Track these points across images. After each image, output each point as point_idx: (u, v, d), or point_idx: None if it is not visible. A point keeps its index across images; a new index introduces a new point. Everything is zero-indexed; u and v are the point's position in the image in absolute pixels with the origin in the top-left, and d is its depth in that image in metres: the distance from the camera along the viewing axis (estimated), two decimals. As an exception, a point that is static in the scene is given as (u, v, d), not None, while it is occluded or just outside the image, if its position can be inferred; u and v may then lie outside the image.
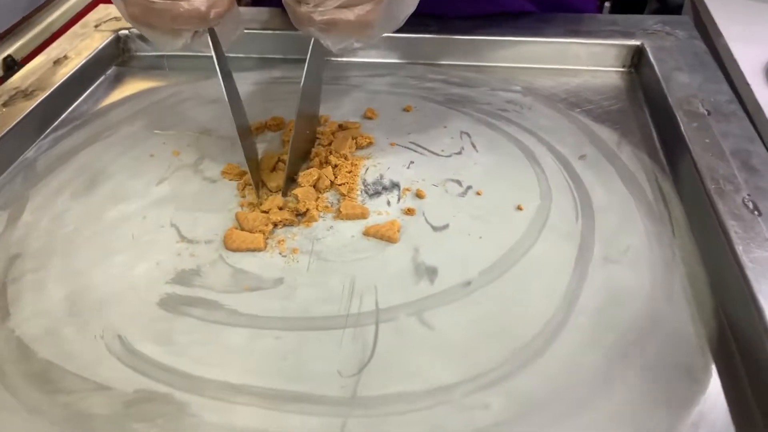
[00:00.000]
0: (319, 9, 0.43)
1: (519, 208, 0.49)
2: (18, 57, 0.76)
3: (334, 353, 0.39)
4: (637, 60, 0.66)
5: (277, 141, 0.58)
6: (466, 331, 0.40)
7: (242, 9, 0.76)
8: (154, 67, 0.70)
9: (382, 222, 0.47)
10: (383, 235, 0.46)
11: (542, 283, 0.43)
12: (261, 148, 0.56)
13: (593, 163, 0.54)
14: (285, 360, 0.39)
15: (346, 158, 0.53)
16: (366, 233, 0.47)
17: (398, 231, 0.46)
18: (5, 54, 0.74)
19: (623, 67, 0.67)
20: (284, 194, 0.50)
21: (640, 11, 1.13)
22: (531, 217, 0.48)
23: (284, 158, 0.53)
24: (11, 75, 0.74)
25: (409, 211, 0.49)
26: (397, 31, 0.67)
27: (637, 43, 0.66)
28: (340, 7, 0.43)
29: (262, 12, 0.73)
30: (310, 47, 0.49)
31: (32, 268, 0.45)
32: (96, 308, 0.42)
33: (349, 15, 0.43)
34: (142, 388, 0.37)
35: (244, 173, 0.52)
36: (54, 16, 0.82)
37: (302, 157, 0.53)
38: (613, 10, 1.34)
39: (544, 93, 0.64)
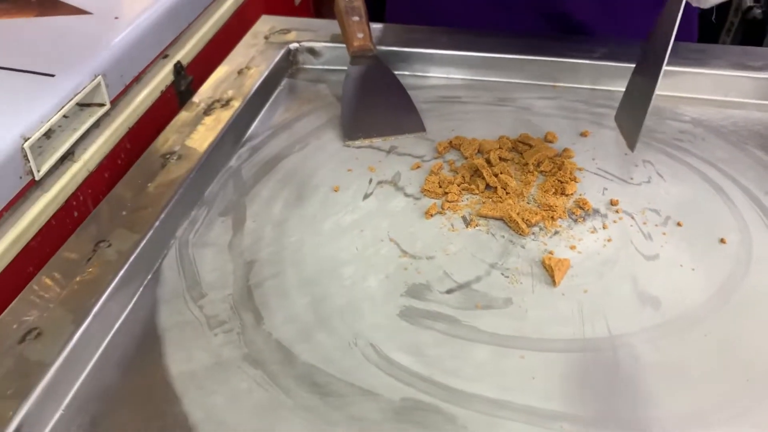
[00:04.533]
0: None
1: (722, 241, 0.51)
2: (184, 63, 0.80)
3: (581, 377, 0.41)
4: (804, 95, 0.67)
5: (460, 160, 0.60)
6: (698, 359, 0.42)
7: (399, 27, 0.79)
8: (320, 80, 0.73)
9: (577, 254, 0.50)
10: (550, 269, 0.48)
11: (763, 316, 0.45)
12: (447, 165, 0.59)
13: (788, 201, 0.55)
14: (534, 380, 0.41)
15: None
16: (546, 260, 0.49)
17: (564, 274, 0.48)
18: (176, 60, 0.78)
19: (791, 101, 0.68)
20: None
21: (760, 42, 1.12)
22: (735, 250, 0.50)
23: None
24: (180, 80, 0.78)
25: (618, 240, 0.51)
26: (564, 56, 0.70)
27: (806, 79, 0.67)
28: None
29: (416, 30, 0.76)
30: (682, 4, 0.49)
31: (270, 274, 0.48)
32: (339, 316, 0.45)
33: None
34: (408, 397, 0.40)
35: (445, 192, 0.55)
36: (210, 23, 0.86)
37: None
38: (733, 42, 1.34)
39: (714, 124, 0.65)
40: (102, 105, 0.65)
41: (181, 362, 0.42)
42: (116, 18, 0.72)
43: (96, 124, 0.65)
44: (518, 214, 0.52)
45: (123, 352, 0.43)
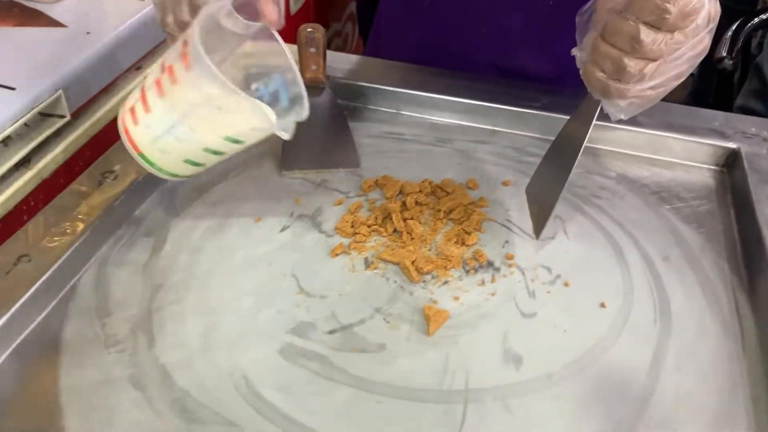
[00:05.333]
0: (636, 87, 0.48)
1: (602, 305, 0.54)
2: (156, 75, 0.84)
3: (429, 427, 0.45)
4: (731, 161, 0.69)
5: (381, 200, 0.63)
6: (545, 422, 0.45)
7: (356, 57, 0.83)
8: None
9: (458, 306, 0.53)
10: (427, 319, 0.51)
11: (620, 379, 0.48)
12: (367, 204, 0.62)
13: (676, 267, 0.58)
14: (388, 426, 0.45)
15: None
16: (426, 310, 0.52)
17: (439, 325, 0.51)
18: (146, 73, 0.82)
19: (717, 165, 0.70)
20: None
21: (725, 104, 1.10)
22: (613, 315, 0.53)
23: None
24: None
25: (502, 295, 0.54)
26: (507, 103, 0.73)
27: (734, 146, 0.69)
28: (651, 87, 0.48)
29: (378, 64, 0.79)
30: (596, 112, 0.53)
31: (173, 299, 0.53)
32: (225, 346, 0.49)
33: (653, 92, 0.49)
34: (264, 430, 0.44)
35: (356, 232, 0.59)
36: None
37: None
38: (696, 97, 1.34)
39: (638, 183, 0.68)
40: (62, 116, 0.70)
41: (73, 377, 0.47)
42: (88, 33, 0.76)
43: (57, 134, 0.70)
44: (413, 261, 0.55)
45: (23, 363, 0.48)
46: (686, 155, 0.71)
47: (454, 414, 0.46)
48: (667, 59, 0.47)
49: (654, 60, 0.47)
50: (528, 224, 0.61)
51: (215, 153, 0.53)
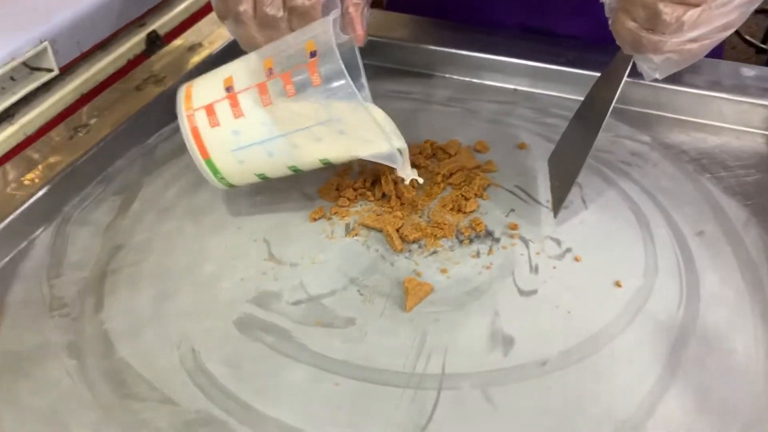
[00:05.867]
0: (673, 39, 0.42)
1: (618, 284, 0.46)
2: (161, 32, 0.79)
3: (390, 414, 0.38)
4: (790, 126, 0.60)
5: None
6: (531, 416, 0.38)
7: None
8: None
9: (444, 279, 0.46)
10: (406, 292, 0.45)
11: (625, 378, 0.40)
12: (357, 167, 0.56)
13: (712, 244, 0.49)
14: (340, 410, 0.39)
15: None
16: (406, 282, 0.45)
17: (419, 300, 0.44)
18: (150, 29, 0.78)
19: (772, 131, 0.60)
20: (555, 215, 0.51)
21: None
22: (629, 297, 0.45)
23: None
24: (154, 50, 0.78)
25: (498, 269, 0.47)
26: (527, 57, 0.65)
27: (794, 107, 0.59)
28: (692, 40, 0.42)
29: (385, 17, 0.72)
30: (627, 70, 0.48)
31: (131, 261, 0.48)
32: (178, 315, 0.44)
33: (694, 46, 0.43)
34: (203, 409, 0.39)
35: (340, 196, 0.52)
36: (200, -6, 0.85)
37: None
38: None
39: (675, 149, 0.59)
40: (50, 70, 0.66)
41: (10, 341, 0.43)
42: (83, -17, 0.72)
43: (46, 89, 0.66)
44: (398, 228, 0.49)
45: (-39, 324, 0.44)
46: (736, 118, 0.61)
47: (423, 401, 0.39)
48: (711, 5, 0.39)
49: (695, 5, 0.39)
50: (540, 192, 0.54)
51: (296, 171, 0.47)
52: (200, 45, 0.69)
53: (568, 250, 0.49)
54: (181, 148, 0.58)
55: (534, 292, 0.45)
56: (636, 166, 0.57)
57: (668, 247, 0.49)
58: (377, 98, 0.64)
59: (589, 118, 0.51)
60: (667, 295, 0.45)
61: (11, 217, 0.48)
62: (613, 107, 0.61)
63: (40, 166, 0.53)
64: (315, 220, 0.51)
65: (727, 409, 0.39)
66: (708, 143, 0.59)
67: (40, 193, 0.50)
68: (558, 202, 0.51)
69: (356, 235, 0.50)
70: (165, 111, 0.62)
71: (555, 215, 0.51)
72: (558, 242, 0.49)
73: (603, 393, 0.39)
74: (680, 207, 0.52)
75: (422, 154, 0.56)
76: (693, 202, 0.53)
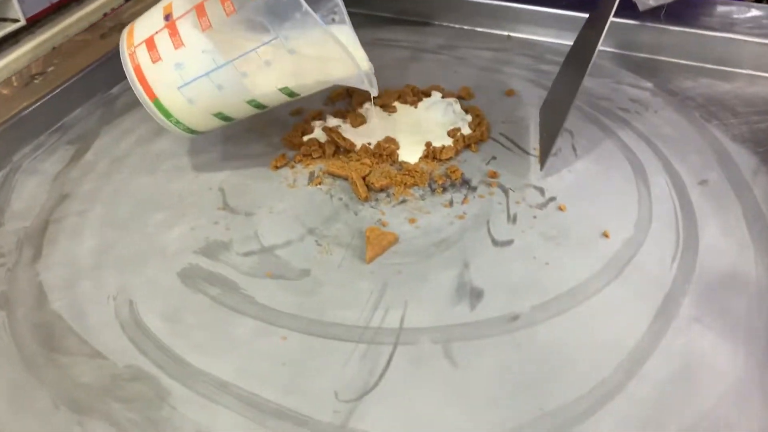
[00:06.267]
0: None
1: (605, 235, 0.41)
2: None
3: (338, 370, 0.34)
4: (810, 69, 0.54)
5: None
6: (496, 375, 0.34)
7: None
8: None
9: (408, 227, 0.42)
10: (367, 242, 0.40)
11: (606, 335, 0.36)
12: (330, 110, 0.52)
13: (716, 193, 0.44)
14: (283, 366, 0.35)
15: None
16: (367, 232, 0.41)
17: (381, 250, 0.40)
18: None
19: (791, 75, 0.55)
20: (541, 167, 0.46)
21: None
22: (616, 248, 0.40)
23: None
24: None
25: (472, 218, 0.42)
26: (524, 1, 0.60)
27: (815, 47, 0.53)
28: None
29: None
30: (614, 6, 0.43)
31: (77, 210, 0.45)
32: (119, 265, 0.41)
33: None
34: (133, 364, 0.35)
35: (302, 144, 0.48)
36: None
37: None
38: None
39: (680, 95, 0.53)
40: (16, 20, 0.63)
41: (-62, 292, 0.40)
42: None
43: (14, 41, 0.63)
44: (364, 176, 0.44)
45: None
46: (752, 62, 0.55)
47: (376, 357, 0.35)
48: None
49: None
50: (526, 140, 0.49)
51: (259, 107, 0.42)
52: (174, -7, 0.65)
53: (552, 199, 0.44)
54: (144, 97, 0.54)
55: (509, 242, 0.41)
56: (634, 112, 0.52)
57: (665, 197, 0.44)
58: (363, 46, 0.59)
59: (576, 62, 0.46)
60: (660, 248, 0.40)
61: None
62: (614, 53, 0.56)
63: (-11, 113, 0.50)
64: (277, 168, 0.47)
65: (721, 370, 0.34)
66: (717, 89, 0.54)
67: (-15, 140, 0.47)
68: (545, 153, 0.46)
69: (320, 183, 0.45)
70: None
71: (541, 167, 0.46)
72: (541, 191, 0.44)
73: (578, 352, 0.35)
74: (682, 155, 0.47)
75: (400, 99, 0.52)
76: (697, 150, 0.48)
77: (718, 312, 0.36)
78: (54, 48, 0.66)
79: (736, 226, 0.42)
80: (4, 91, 0.52)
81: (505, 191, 0.44)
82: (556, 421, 0.32)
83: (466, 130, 0.48)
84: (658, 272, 0.39)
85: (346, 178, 0.45)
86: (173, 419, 0.32)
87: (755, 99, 0.53)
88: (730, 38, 0.55)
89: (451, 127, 0.48)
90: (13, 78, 0.54)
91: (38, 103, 0.50)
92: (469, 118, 0.50)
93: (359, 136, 0.48)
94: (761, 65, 0.55)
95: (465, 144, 0.47)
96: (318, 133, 0.49)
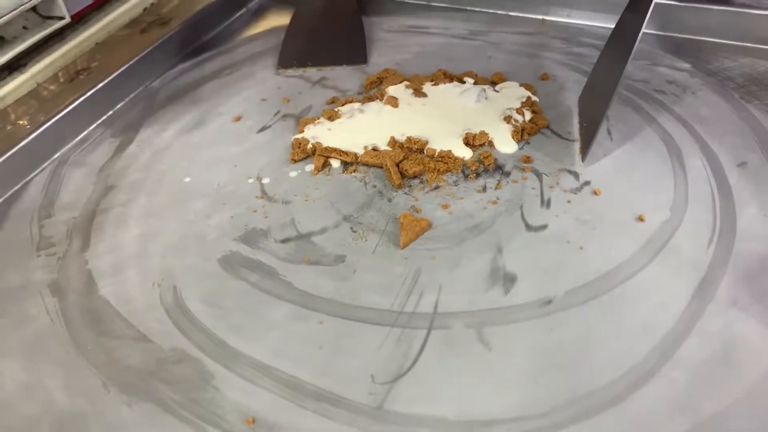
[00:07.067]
0: None
1: (640, 218, 0.41)
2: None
3: (373, 353, 0.35)
4: None
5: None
6: (529, 359, 0.34)
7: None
8: (292, 2, 0.68)
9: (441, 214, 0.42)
10: (401, 227, 0.41)
11: (640, 318, 0.36)
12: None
13: (755, 175, 0.43)
14: (321, 349, 0.36)
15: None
16: (401, 218, 0.41)
17: (415, 236, 0.40)
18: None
19: (836, 52, 0.53)
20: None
21: None
22: (652, 232, 0.40)
23: None
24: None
25: (505, 203, 0.43)
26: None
27: None
28: None
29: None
30: None
31: (121, 201, 0.46)
32: (161, 254, 0.42)
33: None
34: (178, 347, 0.37)
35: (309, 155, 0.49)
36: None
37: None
38: None
39: (719, 75, 0.52)
40: (61, 18, 0.65)
41: (-6, 280, 0.42)
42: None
43: (59, 38, 0.65)
44: (398, 163, 0.45)
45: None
46: (793, 40, 0.54)
47: (410, 341, 0.36)
48: None
49: None
50: (561, 123, 0.49)
51: None
52: (211, -14, 0.66)
53: (587, 183, 0.44)
54: (184, 88, 0.56)
55: (543, 227, 0.41)
56: (671, 94, 0.51)
57: (702, 180, 0.43)
58: (393, 33, 0.60)
59: (618, 47, 0.46)
60: (696, 230, 0.40)
61: (3, 157, 0.47)
62: (651, 34, 0.55)
63: (37, 108, 0.51)
64: (295, 161, 0.48)
65: (754, 357, 0.33)
66: (758, 68, 0.53)
67: (35, 134, 0.49)
68: (587, 143, 0.46)
69: (354, 171, 0.46)
70: (170, 53, 0.60)
71: (583, 158, 0.46)
72: (576, 175, 0.44)
73: (612, 335, 0.35)
74: (720, 137, 0.47)
75: (433, 82, 0.52)
76: (736, 132, 0.47)
77: (756, 295, 0.36)
78: (97, 43, 0.68)
79: (776, 209, 0.41)
80: (51, 87, 0.54)
81: (539, 176, 0.44)
82: (589, 404, 0.32)
83: (516, 117, 0.48)
84: (694, 255, 0.39)
85: (380, 166, 0.46)
86: (216, 400, 0.34)
87: (798, 78, 0.51)
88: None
89: (503, 115, 0.48)
90: (60, 74, 0.56)
91: (83, 98, 0.52)
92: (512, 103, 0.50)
93: (384, 128, 0.48)
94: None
95: (521, 137, 0.47)
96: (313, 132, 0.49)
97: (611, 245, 0.39)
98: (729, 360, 0.33)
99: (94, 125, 0.53)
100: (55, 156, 0.51)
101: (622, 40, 0.45)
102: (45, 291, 0.41)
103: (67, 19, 0.65)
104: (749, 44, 0.55)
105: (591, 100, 0.48)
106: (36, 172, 0.49)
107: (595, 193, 0.43)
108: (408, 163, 0.45)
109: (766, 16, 0.54)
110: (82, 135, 0.52)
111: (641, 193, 0.43)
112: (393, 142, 0.47)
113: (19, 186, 0.48)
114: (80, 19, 0.66)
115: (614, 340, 0.35)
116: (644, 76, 0.53)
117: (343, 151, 0.46)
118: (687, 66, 0.54)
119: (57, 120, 0.50)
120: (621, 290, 0.37)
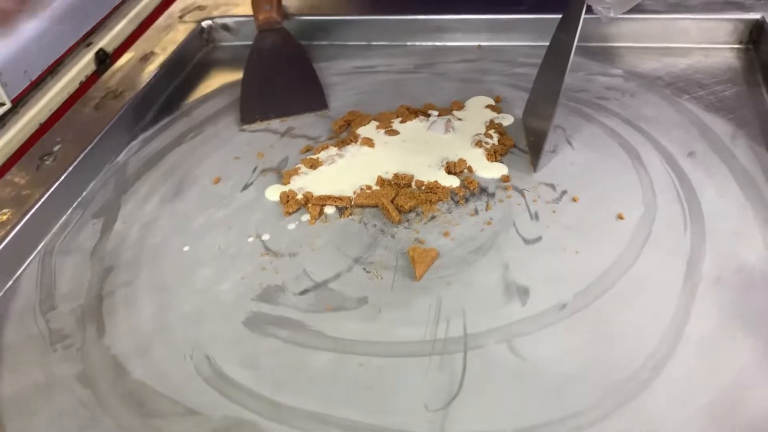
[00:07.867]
0: None
1: (620, 217, 0.45)
2: (109, 49, 0.77)
3: (420, 384, 0.37)
4: (756, 36, 0.60)
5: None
6: (560, 362, 0.38)
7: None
8: (237, 58, 0.69)
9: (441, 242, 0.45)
10: (413, 261, 0.43)
11: (645, 307, 0.40)
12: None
13: (704, 162, 0.49)
14: (370, 390, 0.38)
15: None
16: (410, 251, 0.44)
17: (427, 266, 0.43)
18: (97, 48, 0.75)
19: (740, 43, 0.60)
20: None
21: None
22: (633, 227, 0.45)
23: None
24: (104, 69, 0.75)
25: (498, 222, 0.46)
26: (489, 12, 0.64)
27: (756, 16, 0.59)
28: None
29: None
30: (583, 11, 0.46)
31: (124, 281, 0.46)
32: (183, 326, 0.43)
33: None
34: (229, 415, 0.37)
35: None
36: (141, 5, 0.83)
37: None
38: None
39: (649, 77, 0.58)
40: (2, 104, 0.64)
41: (13, 384, 0.41)
42: (20, 10, 0.69)
43: (1, 125, 0.64)
44: (392, 200, 0.48)
45: (-41, 374, 0.42)
46: (703, 37, 0.61)
47: (451, 366, 0.38)
48: None
49: None
50: (524, 141, 0.53)
51: None
52: (152, 53, 0.67)
53: (564, 192, 0.48)
54: (151, 159, 0.56)
55: (538, 239, 0.45)
56: (614, 99, 0.56)
57: (662, 173, 0.49)
58: (343, 76, 0.63)
59: (554, 63, 0.50)
60: (671, 220, 0.45)
61: (-9, 257, 0.46)
62: (579, 46, 0.60)
63: (11, 202, 0.50)
64: (290, 214, 0.49)
65: (752, 316, 0.38)
66: (679, 66, 0.59)
67: (17, 228, 0.48)
68: (535, 154, 0.50)
69: (350, 214, 0.48)
70: (129, 125, 0.60)
71: (534, 168, 0.50)
72: (552, 186, 0.49)
73: (628, 326, 0.39)
74: (666, 132, 0.52)
75: (400, 119, 0.55)
76: (678, 125, 0.53)
77: (735, 267, 0.41)
78: (41, 124, 0.67)
79: (729, 189, 0.47)
80: (20, 177, 0.53)
81: (521, 192, 0.48)
82: (621, 395, 0.36)
83: (485, 140, 0.52)
84: (676, 241, 0.43)
85: (375, 206, 0.48)
86: (284, 457, 0.35)
87: (715, 70, 0.58)
88: (681, 18, 0.61)
89: (474, 140, 0.52)
90: (23, 163, 0.55)
91: (57, 183, 0.52)
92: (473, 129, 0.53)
93: (367, 169, 0.51)
94: (711, 38, 0.61)
95: (495, 157, 0.50)
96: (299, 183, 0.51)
97: (602, 246, 0.44)
98: (728, 332, 0.38)
99: (71, 209, 0.53)
100: (39, 247, 0.50)
101: (556, 56, 0.50)
102: (75, 384, 0.40)
103: (8, 105, 0.64)
104: (667, 45, 0.61)
105: (535, 114, 0.53)
106: (23, 267, 0.48)
107: (574, 200, 0.47)
108: (402, 199, 0.47)
109: (675, 20, 0.61)
110: (61, 221, 0.52)
111: (613, 193, 0.47)
112: (381, 181, 0.49)
113: (9, 284, 0.47)
114: (19, 102, 0.65)
115: (629, 331, 0.39)
116: (585, 86, 0.58)
117: (336, 197, 0.48)
118: (619, 72, 0.59)
119: (35, 211, 0.50)
120: (621, 285, 0.41)
